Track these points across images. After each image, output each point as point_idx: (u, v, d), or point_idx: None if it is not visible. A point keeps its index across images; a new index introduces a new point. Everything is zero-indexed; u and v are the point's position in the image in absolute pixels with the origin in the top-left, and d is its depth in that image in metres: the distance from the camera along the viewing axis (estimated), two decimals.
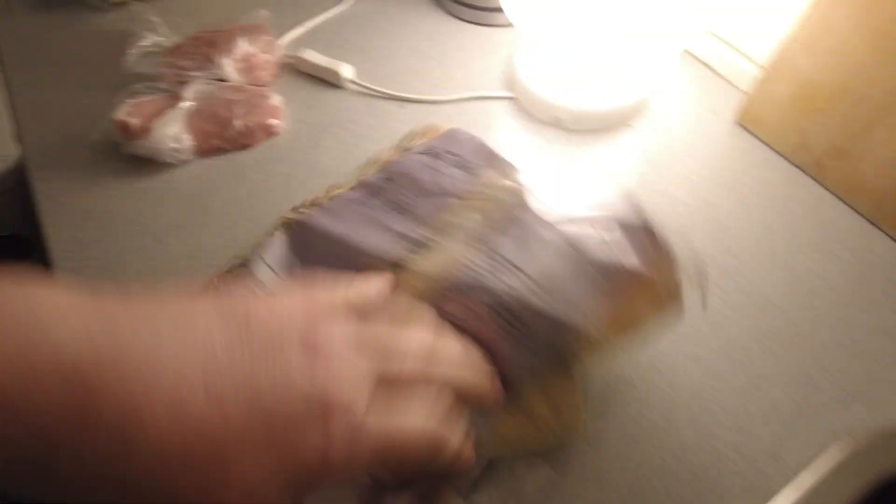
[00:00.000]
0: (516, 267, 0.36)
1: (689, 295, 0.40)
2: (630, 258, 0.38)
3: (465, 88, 0.61)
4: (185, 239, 0.50)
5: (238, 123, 0.55)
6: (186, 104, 0.54)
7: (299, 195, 0.53)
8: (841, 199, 0.55)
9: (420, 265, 0.38)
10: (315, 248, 0.41)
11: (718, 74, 0.64)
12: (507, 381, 0.34)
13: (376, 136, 0.57)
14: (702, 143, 0.59)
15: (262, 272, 0.40)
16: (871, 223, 0.54)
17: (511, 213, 0.40)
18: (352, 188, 0.45)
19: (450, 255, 0.38)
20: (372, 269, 0.38)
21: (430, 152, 0.46)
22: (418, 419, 0.28)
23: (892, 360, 0.46)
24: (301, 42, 0.64)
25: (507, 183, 0.43)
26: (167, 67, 0.57)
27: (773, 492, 0.39)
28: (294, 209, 0.44)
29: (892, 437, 0.42)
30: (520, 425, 0.36)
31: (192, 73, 0.57)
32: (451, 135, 0.47)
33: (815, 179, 0.56)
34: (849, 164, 0.54)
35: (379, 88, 0.61)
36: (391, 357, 0.29)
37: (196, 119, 0.55)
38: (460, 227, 0.40)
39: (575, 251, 0.37)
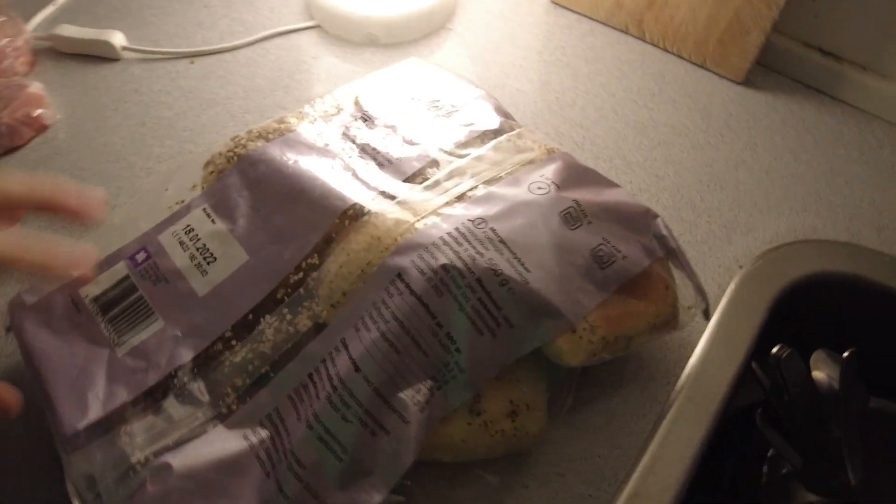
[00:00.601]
0: (501, 241, 0.32)
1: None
2: (635, 256, 0.34)
3: (261, 28, 0.55)
4: None
5: None
6: None
7: (95, 185, 0.44)
8: (665, 49, 0.54)
9: (379, 218, 0.33)
10: (266, 183, 0.36)
11: None
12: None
13: (168, 100, 0.49)
14: (523, 30, 0.56)
15: (198, 220, 0.36)
16: (698, 65, 0.54)
17: (508, 180, 0.35)
18: (312, 122, 0.39)
19: (415, 213, 0.33)
20: (324, 209, 0.34)
21: (430, 100, 0.41)
22: None
23: (754, 185, 0.47)
24: (58, 20, 0.54)
25: (525, 144, 0.38)
26: None
27: (693, 343, 0.38)
28: (237, 142, 0.38)
29: (778, 253, 0.42)
30: (469, 429, 0.31)
31: None
32: (461, 89, 0.42)
33: (638, 37, 0.55)
34: (664, 13, 0.53)
35: (161, 49, 0.52)
36: None
37: None
38: (445, 188, 0.35)
39: (572, 238, 0.33)
